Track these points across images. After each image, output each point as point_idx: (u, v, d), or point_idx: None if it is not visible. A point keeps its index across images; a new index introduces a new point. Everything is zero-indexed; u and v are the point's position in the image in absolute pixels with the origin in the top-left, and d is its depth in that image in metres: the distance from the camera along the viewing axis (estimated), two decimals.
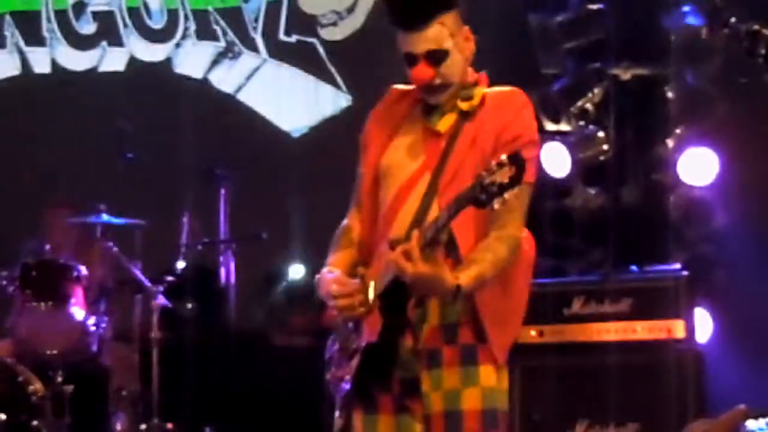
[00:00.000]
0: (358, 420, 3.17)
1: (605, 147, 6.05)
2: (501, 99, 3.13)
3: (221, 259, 6.39)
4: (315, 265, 6.90)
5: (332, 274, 3.13)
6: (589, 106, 6.13)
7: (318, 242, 7.02)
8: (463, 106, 3.12)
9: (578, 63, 6.25)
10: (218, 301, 6.51)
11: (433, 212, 3.02)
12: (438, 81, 3.10)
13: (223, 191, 6.45)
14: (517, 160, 2.73)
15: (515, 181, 2.72)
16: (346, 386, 3.12)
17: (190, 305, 6.58)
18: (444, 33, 3.08)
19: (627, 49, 6.09)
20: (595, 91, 6.10)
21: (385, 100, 3.29)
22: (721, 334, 5.54)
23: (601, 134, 6.06)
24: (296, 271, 7.01)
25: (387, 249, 2.96)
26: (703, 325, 5.47)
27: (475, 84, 3.17)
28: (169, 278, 6.17)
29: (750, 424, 4.06)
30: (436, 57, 3.08)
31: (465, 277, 2.91)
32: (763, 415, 4.09)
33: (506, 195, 2.73)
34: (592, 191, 6.05)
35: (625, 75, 6.08)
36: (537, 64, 6.41)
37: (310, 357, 6.66)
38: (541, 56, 6.40)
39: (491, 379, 3.08)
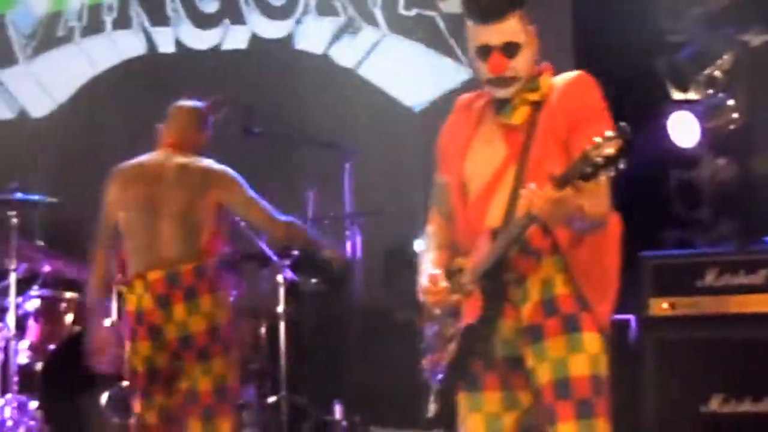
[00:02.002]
0: (462, 399, 3.28)
1: (735, 115, 5.91)
2: (567, 84, 3.26)
3: (347, 233, 6.40)
4: None
5: (431, 270, 3.25)
6: (717, 73, 5.99)
7: None
8: (533, 96, 3.25)
9: (706, 29, 6.11)
10: (344, 276, 6.52)
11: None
12: (510, 73, 3.23)
13: (347, 166, 6.46)
14: (623, 132, 2.79)
15: (624, 152, 2.76)
16: (443, 370, 3.23)
17: (314, 280, 6.60)
18: (518, 27, 3.23)
19: (757, 14, 5.94)
20: (725, 57, 5.96)
21: (455, 111, 3.45)
22: None
23: (730, 102, 5.92)
24: (421, 245, 6.98)
25: (484, 239, 3.12)
26: None
27: (540, 74, 3.30)
28: (295, 252, 6.20)
29: None
30: (511, 49, 3.22)
31: (586, 206, 2.95)
32: None
33: (616, 166, 2.78)
34: (721, 161, 5.92)
35: (756, 41, 5.93)
36: (664, 31, 6.30)
37: None
38: (667, 23, 6.28)
39: (596, 345, 3.17)
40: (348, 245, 6.37)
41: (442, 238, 3.39)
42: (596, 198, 2.97)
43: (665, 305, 5.22)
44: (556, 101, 3.22)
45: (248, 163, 6.74)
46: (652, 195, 6.04)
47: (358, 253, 6.40)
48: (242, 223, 6.14)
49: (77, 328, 6.22)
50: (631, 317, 5.39)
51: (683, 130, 5.97)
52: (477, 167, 3.27)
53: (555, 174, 2.88)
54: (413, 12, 7.48)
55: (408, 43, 7.49)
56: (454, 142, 3.37)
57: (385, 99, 7.44)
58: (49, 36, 7.99)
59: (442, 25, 7.41)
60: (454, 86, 7.37)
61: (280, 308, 6.19)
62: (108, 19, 7.91)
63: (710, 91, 6.01)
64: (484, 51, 3.23)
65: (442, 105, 7.36)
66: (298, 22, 7.64)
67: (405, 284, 6.76)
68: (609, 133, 2.79)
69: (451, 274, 3.22)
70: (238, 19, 7.72)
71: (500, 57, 3.21)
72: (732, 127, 5.92)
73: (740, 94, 5.93)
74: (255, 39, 7.69)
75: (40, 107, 7.96)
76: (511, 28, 3.22)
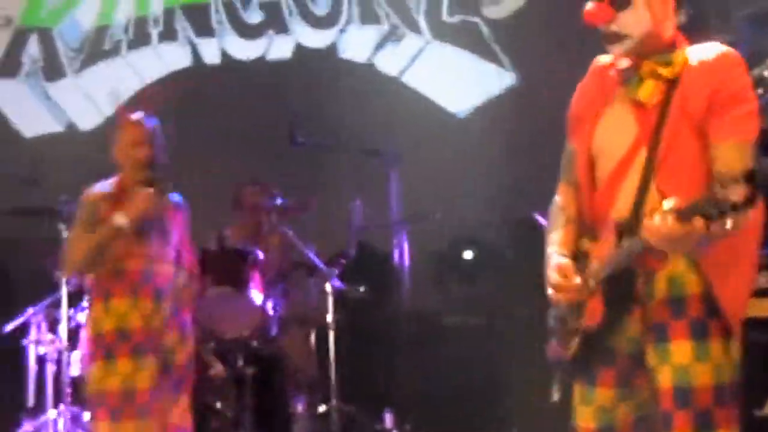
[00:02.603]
0: (577, 390, 3.20)
1: None
2: (708, 61, 3.00)
3: (394, 241, 6.39)
4: (484, 245, 6.93)
5: (559, 259, 3.12)
6: (767, 73, 5.93)
7: (488, 222, 7.05)
8: (665, 72, 3.01)
9: (755, 29, 6.05)
10: (392, 283, 6.51)
11: (652, 191, 2.97)
12: (614, 27, 3.02)
13: (393, 173, 6.45)
14: (751, 177, 2.57)
15: (749, 201, 2.56)
16: (567, 361, 3.14)
17: (363, 288, 6.60)
18: None
19: None
20: None
21: (589, 75, 3.23)
22: None
23: None
24: (469, 253, 6.99)
25: (611, 232, 2.95)
26: None
27: (673, 45, 3.05)
28: (343, 261, 6.20)
29: None
30: (619, 1, 3.01)
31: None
32: None
33: (738, 216, 2.58)
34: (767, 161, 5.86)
35: None
36: (713, 31, 6.24)
37: (483, 337, 6.74)
38: (714, 23, 6.22)
39: (723, 352, 3.00)
40: (395, 252, 6.36)
41: (570, 212, 3.22)
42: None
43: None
44: (693, 79, 2.98)
45: (294, 173, 6.84)
46: None
47: (406, 259, 6.38)
48: (290, 233, 6.19)
49: None
50: None
51: None
52: (606, 142, 3.11)
53: (678, 207, 2.67)
54: (457, 18, 7.47)
55: (452, 49, 7.48)
56: (585, 108, 3.19)
57: (429, 106, 7.44)
58: (96, 49, 8.06)
59: (485, 31, 7.40)
60: (498, 92, 7.36)
61: (329, 317, 6.19)
62: (154, 32, 7.97)
63: (760, 91, 5.95)
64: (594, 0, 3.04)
65: (487, 111, 7.38)
66: (342, 30, 7.65)
67: (453, 290, 6.79)
68: (738, 175, 2.58)
69: (578, 258, 3.11)
70: (283, 29, 7.75)
71: (602, 5, 3.01)
72: None
73: None
74: (299, 48, 7.72)
75: (88, 120, 8.03)
76: None
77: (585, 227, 3.17)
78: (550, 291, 3.13)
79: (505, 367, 6.57)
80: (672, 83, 3.00)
